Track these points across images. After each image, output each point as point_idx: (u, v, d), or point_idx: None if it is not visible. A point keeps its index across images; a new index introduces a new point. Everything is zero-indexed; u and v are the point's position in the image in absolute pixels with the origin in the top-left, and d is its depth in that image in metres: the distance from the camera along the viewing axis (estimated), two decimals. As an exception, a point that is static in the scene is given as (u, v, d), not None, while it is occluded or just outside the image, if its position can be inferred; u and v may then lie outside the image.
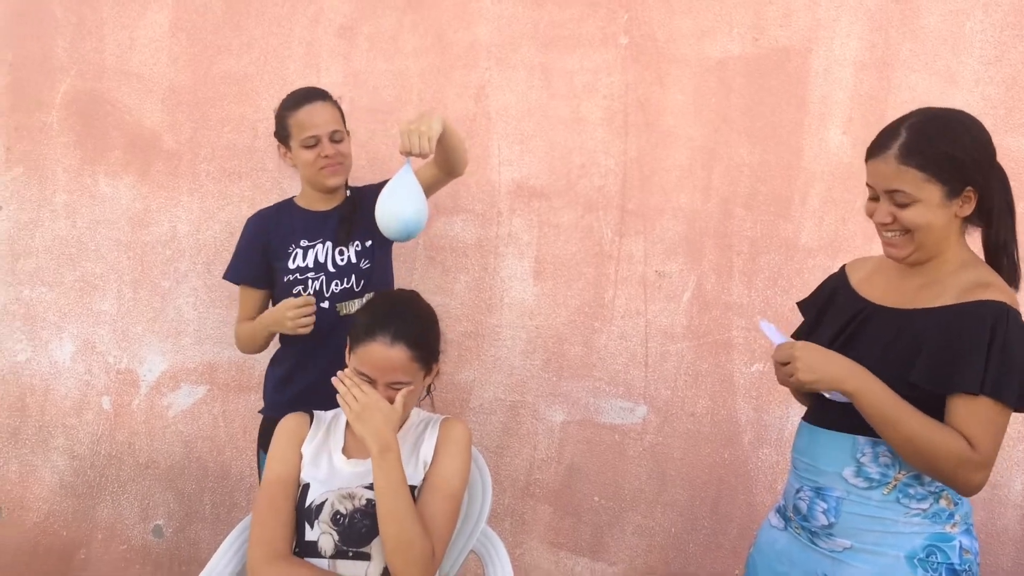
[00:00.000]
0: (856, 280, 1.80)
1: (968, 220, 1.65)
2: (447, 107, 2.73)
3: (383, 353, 1.79)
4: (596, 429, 2.77)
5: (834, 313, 1.78)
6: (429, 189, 2.31)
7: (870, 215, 1.67)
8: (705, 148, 2.66)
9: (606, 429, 2.77)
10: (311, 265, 2.33)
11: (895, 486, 1.64)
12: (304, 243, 2.35)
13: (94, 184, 2.87)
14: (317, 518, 1.80)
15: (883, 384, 1.59)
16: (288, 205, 2.45)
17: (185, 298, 2.87)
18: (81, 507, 2.95)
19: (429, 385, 2.01)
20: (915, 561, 1.62)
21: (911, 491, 1.64)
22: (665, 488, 2.76)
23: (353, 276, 2.34)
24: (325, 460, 1.88)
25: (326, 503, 1.80)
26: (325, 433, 1.93)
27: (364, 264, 2.36)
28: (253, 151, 2.81)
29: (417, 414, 1.99)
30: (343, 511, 1.80)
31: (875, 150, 1.63)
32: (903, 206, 1.60)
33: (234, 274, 2.44)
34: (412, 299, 1.97)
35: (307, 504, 1.81)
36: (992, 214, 1.64)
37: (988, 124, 1.63)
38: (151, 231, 2.87)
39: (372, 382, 1.80)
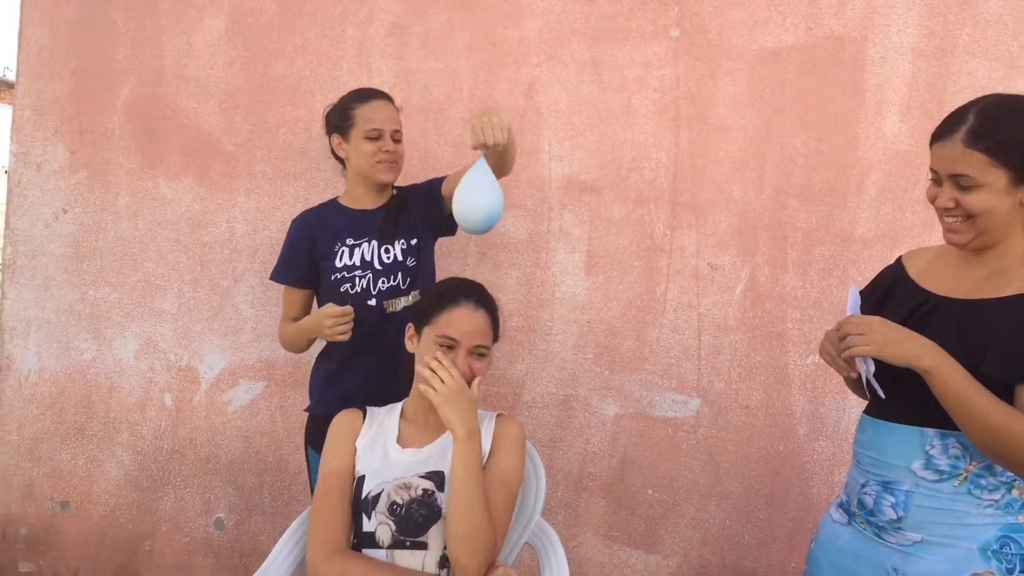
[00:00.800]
0: (916, 271, 1.77)
1: None
2: (498, 103, 2.75)
3: (470, 315, 1.87)
4: (649, 422, 2.77)
5: (894, 306, 1.75)
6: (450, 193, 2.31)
7: (932, 200, 1.64)
8: (757, 139, 2.64)
9: (659, 422, 2.77)
10: (358, 263, 2.36)
11: (966, 477, 1.62)
12: (350, 241, 2.38)
13: (155, 187, 2.95)
14: (374, 509, 1.82)
15: (958, 364, 1.56)
16: (333, 205, 2.49)
17: (243, 296, 2.93)
18: (145, 500, 3.03)
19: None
20: (988, 553, 1.60)
21: (983, 482, 1.62)
22: (719, 481, 2.75)
23: (399, 274, 2.36)
24: (380, 451, 1.90)
25: (382, 494, 1.83)
26: (379, 426, 1.95)
27: (410, 262, 2.37)
28: (307, 152, 2.86)
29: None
30: (399, 501, 1.82)
31: (941, 134, 1.61)
32: (967, 190, 1.58)
33: (278, 274, 2.49)
34: (479, 284, 2.03)
35: (363, 496, 1.84)
36: None
37: (1050, 108, 1.59)
38: (209, 231, 2.93)
39: (453, 349, 1.85)
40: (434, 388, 1.78)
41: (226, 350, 2.96)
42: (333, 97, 2.77)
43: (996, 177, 1.56)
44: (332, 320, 2.24)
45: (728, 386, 2.73)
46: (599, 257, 2.75)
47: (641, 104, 2.68)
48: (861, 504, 1.74)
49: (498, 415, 1.98)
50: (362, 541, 1.83)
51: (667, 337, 2.74)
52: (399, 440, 1.92)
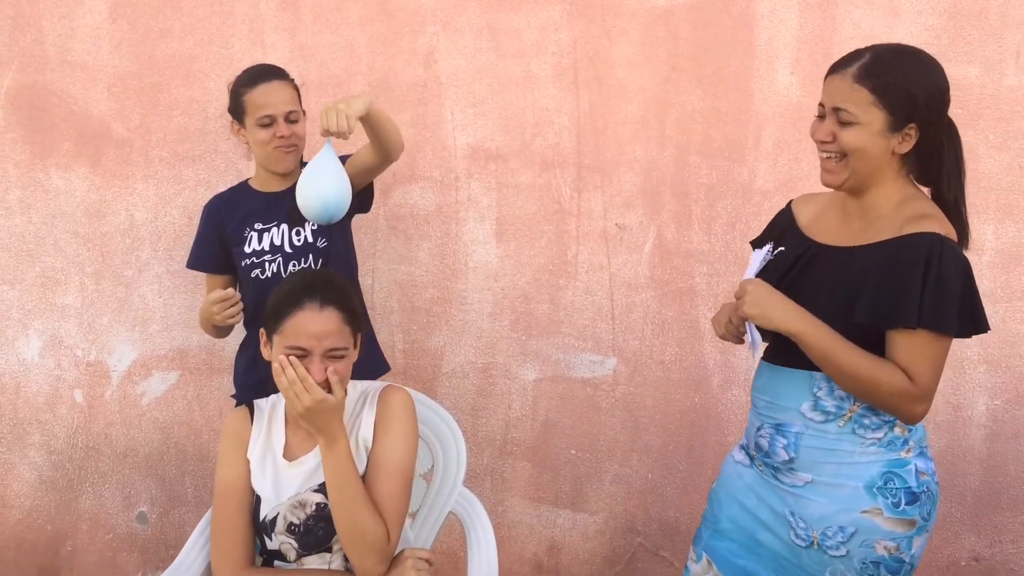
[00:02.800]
0: (804, 220, 1.82)
1: (920, 178, 1.68)
2: (397, 74, 2.72)
3: (316, 317, 1.72)
4: (568, 384, 2.81)
5: (781, 254, 1.80)
6: (366, 174, 2.29)
7: (812, 134, 1.68)
8: (656, 98, 2.68)
9: (578, 383, 2.81)
10: (267, 248, 2.32)
11: (850, 418, 1.67)
12: (259, 226, 2.34)
13: (46, 178, 2.85)
14: (273, 531, 1.80)
15: (824, 325, 1.62)
16: (243, 188, 2.43)
17: (149, 286, 2.86)
18: (63, 500, 2.96)
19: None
20: (874, 490, 1.66)
21: (865, 421, 1.67)
22: (639, 436, 2.81)
23: (311, 256, 2.32)
24: (270, 468, 1.84)
25: (279, 517, 1.80)
26: (267, 433, 1.87)
27: (321, 243, 2.33)
28: (205, 133, 2.79)
29: (353, 387, 1.94)
30: (296, 521, 1.80)
31: (836, 67, 1.65)
32: (845, 126, 1.62)
33: (193, 261, 2.44)
34: (326, 271, 1.91)
35: (262, 518, 1.81)
36: (941, 172, 1.66)
37: (932, 53, 1.65)
38: (108, 221, 2.85)
39: (306, 356, 1.72)
40: (292, 404, 1.70)
41: (135, 341, 2.89)
42: (226, 76, 2.70)
43: (875, 117, 1.59)
44: (218, 306, 2.20)
45: (642, 343, 2.78)
46: (509, 224, 2.76)
47: (540, 69, 2.69)
48: (758, 447, 1.80)
49: (383, 389, 1.92)
50: (270, 556, 1.82)
51: (580, 299, 2.77)
52: (286, 452, 1.85)
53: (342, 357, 1.76)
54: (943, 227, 1.60)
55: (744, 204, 2.69)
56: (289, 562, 1.81)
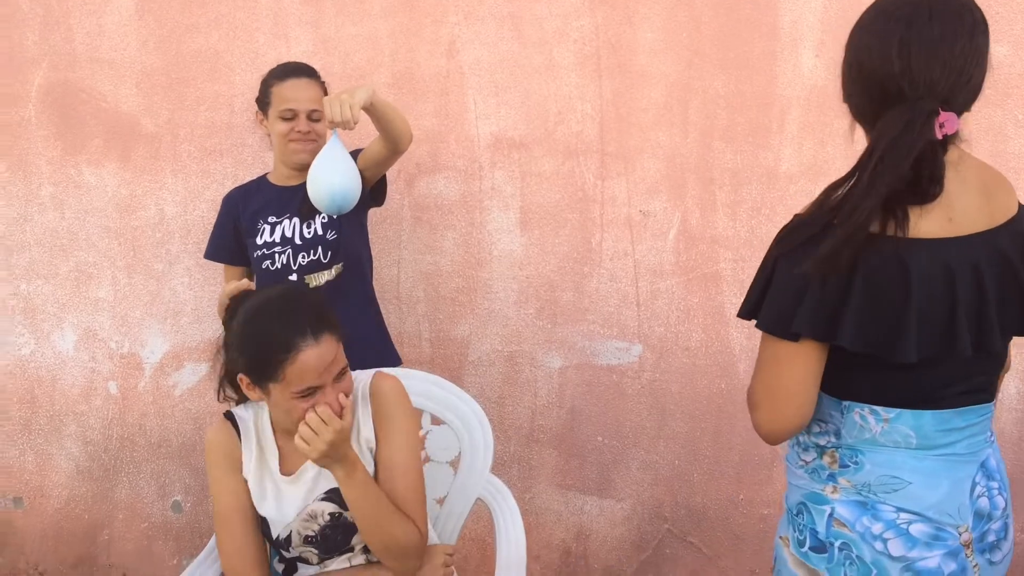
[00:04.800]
0: None
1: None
2: (419, 65, 2.73)
3: (317, 356, 1.61)
4: (594, 371, 2.82)
5: None
6: (377, 167, 2.32)
7: None
8: (679, 84, 2.66)
9: (603, 370, 2.81)
10: (278, 240, 2.37)
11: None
12: (272, 219, 2.39)
13: (78, 174, 2.89)
14: (291, 545, 1.77)
15: None
16: (261, 181, 2.50)
17: (179, 279, 2.90)
18: (100, 490, 3.02)
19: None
20: (790, 516, 1.46)
21: (801, 439, 1.46)
22: (665, 423, 2.81)
23: (320, 247, 2.35)
24: (270, 484, 1.77)
25: (292, 534, 1.76)
26: (259, 449, 1.79)
27: (331, 235, 2.36)
28: (232, 127, 2.82)
29: None
30: (311, 533, 1.77)
31: None
32: None
33: (210, 252, 2.53)
34: (290, 291, 1.76)
35: (275, 538, 1.77)
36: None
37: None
38: (139, 216, 2.89)
39: (317, 389, 1.63)
40: (306, 447, 1.61)
41: (167, 334, 2.93)
42: (252, 70, 2.74)
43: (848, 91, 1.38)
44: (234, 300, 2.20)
45: (668, 330, 2.78)
46: (533, 212, 2.77)
47: (562, 56, 2.69)
48: None
49: (372, 380, 1.83)
50: (291, 562, 1.81)
51: (605, 286, 2.78)
52: (282, 467, 1.78)
53: (345, 374, 1.70)
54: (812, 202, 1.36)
55: (769, 189, 2.67)
56: (312, 565, 1.80)
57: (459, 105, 2.74)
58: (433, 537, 1.99)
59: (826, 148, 2.62)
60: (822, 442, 1.41)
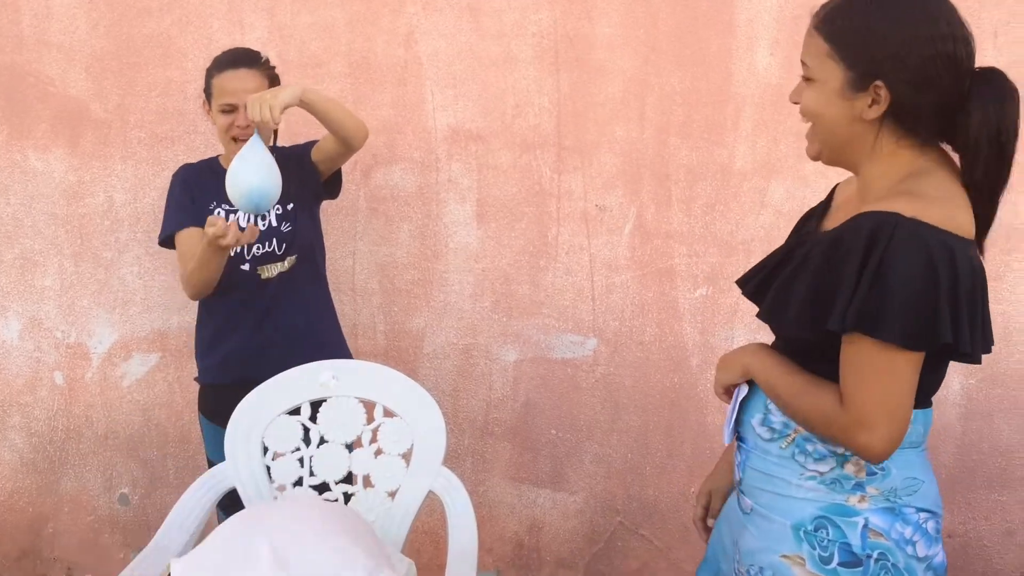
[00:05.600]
0: (835, 205, 1.49)
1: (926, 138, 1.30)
2: (376, 55, 2.71)
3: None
4: (549, 365, 2.83)
5: (786, 243, 1.52)
6: (330, 161, 2.33)
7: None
8: (636, 79, 2.68)
9: (558, 364, 2.82)
10: (240, 224, 2.31)
11: (793, 439, 1.38)
12: (225, 207, 2.34)
13: (24, 159, 2.83)
14: None
15: (771, 353, 1.41)
16: (213, 164, 2.44)
17: (128, 267, 2.85)
18: (44, 482, 2.96)
19: None
20: (801, 533, 1.35)
21: (808, 447, 1.36)
22: (619, 416, 2.83)
23: (274, 240, 2.32)
24: None
25: None
26: None
27: (285, 227, 2.33)
28: (184, 114, 2.77)
29: None
30: None
31: (813, 15, 1.34)
32: (807, 83, 1.33)
33: (173, 223, 2.33)
34: None
35: None
36: (966, 144, 1.25)
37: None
38: (87, 203, 2.83)
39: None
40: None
41: (115, 323, 2.88)
42: (205, 57, 2.69)
43: (830, 73, 1.28)
44: (214, 229, 2.07)
45: (622, 324, 2.79)
46: (489, 205, 2.76)
47: (521, 50, 2.68)
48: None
49: None
50: None
51: (561, 280, 2.78)
52: None
53: None
54: (926, 207, 1.22)
55: (723, 185, 2.70)
56: None
57: (416, 96, 2.73)
58: (396, 557, 1.98)
59: (779, 146, 2.66)
60: (840, 450, 1.33)
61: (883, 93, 1.25)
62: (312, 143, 2.37)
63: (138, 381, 2.90)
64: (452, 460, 2.83)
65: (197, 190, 2.36)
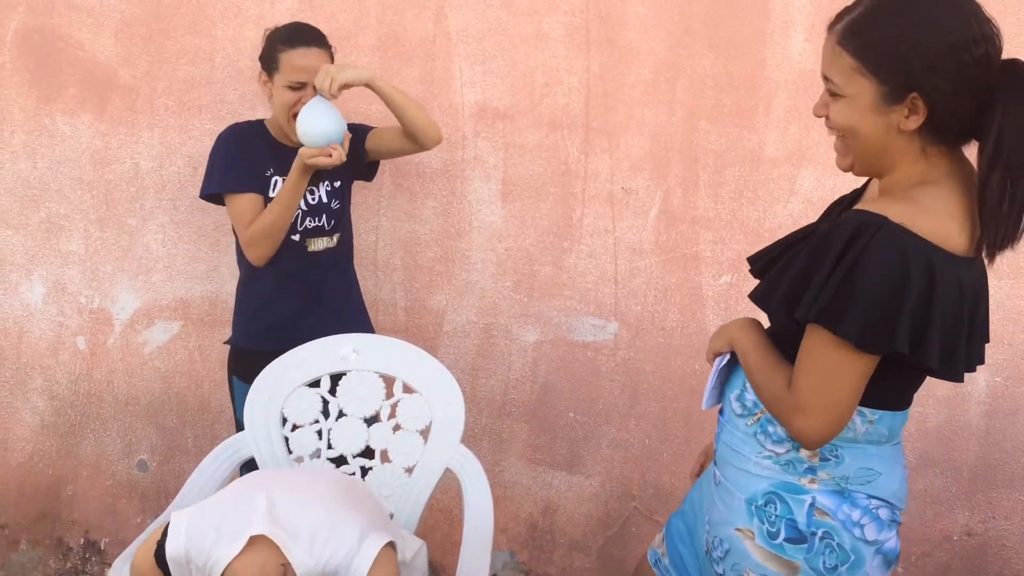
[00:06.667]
0: (868, 196, 1.48)
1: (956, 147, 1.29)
2: (406, 28, 2.69)
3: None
4: (569, 347, 2.81)
5: (803, 228, 1.53)
6: (389, 152, 2.48)
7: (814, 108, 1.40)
8: (668, 61, 2.64)
9: (579, 347, 2.81)
10: None
11: (759, 419, 1.43)
12: (277, 178, 2.37)
13: (52, 123, 2.83)
14: None
15: (757, 330, 1.47)
16: (261, 129, 2.44)
17: (153, 235, 2.86)
18: (64, 446, 2.98)
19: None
20: (752, 507, 1.41)
21: (771, 429, 1.41)
22: (638, 401, 2.81)
23: (324, 215, 2.39)
24: None
25: None
26: None
27: (335, 204, 2.42)
28: (211, 83, 2.76)
29: (335, 552, 1.65)
30: None
31: (830, 23, 1.34)
32: (834, 98, 1.31)
33: (229, 183, 2.32)
34: None
35: None
36: (985, 150, 1.22)
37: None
38: (113, 169, 2.83)
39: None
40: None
41: (138, 290, 2.89)
42: (234, 26, 2.69)
43: (861, 88, 1.26)
44: (322, 156, 2.17)
45: (645, 309, 2.77)
46: (514, 184, 2.74)
47: (551, 27, 2.65)
48: None
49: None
50: None
51: (584, 263, 2.76)
52: None
53: None
54: (915, 215, 1.23)
55: (752, 172, 2.66)
56: None
57: (445, 72, 2.70)
58: (406, 535, 1.99)
59: (811, 133, 2.61)
60: None
61: (920, 104, 1.24)
62: (368, 128, 2.45)
63: (159, 348, 2.92)
64: (469, 439, 2.83)
65: (254, 155, 2.37)
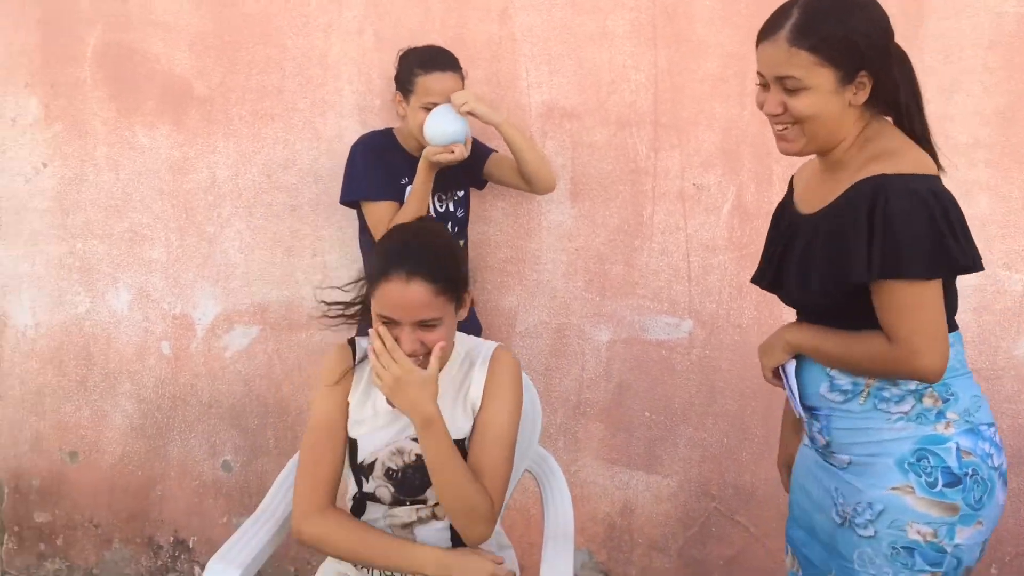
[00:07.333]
0: (796, 195, 1.74)
1: (872, 108, 1.57)
2: (471, 30, 2.68)
3: (401, 291, 1.63)
4: (643, 346, 2.78)
5: (775, 237, 1.76)
6: (500, 181, 2.61)
7: (760, 106, 1.57)
8: (737, 55, 2.57)
9: (652, 345, 2.77)
10: None
11: (868, 393, 1.57)
12: (410, 188, 2.47)
13: (132, 135, 2.91)
14: (371, 474, 1.79)
15: (810, 327, 1.61)
16: (393, 139, 2.55)
17: (230, 242, 2.92)
18: (152, 447, 3.08)
19: (470, 309, 1.88)
20: (905, 465, 1.54)
21: (885, 394, 1.56)
22: (715, 400, 2.77)
23: (451, 224, 2.52)
24: (369, 411, 1.82)
25: (376, 462, 1.79)
26: (370, 378, 1.81)
27: (460, 213, 2.55)
28: (282, 91, 2.80)
29: (462, 343, 1.88)
30: (395, 467, 1.78)
31: (765, 33, 1.53)
32: (793, 94, 1.50)
33: (369, 191, 2.47)
34: (425, 230, 1.82)
35: (359, 461, 1.80)
36: (900, 104, 1.55)
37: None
38: (191, 178, 2.91)
39: (397, 324, 1.66)
40: (381, 379, 1.66)
41: (218, 296, 2.96)
42: (303, 35, 2.73)
43: (823, 77, 1.48)
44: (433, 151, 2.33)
45: (720, 306, 2.72)
46: (583, 183, 2.72)
47: (617, 24, 2.61)
48: (808, 433, 1.74)
49: (495, 351, 1.86)
50: (365, 498, 1.82)
51: (656, 260, 2.72)
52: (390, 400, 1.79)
53: (434, 326, 1.68)
54: (899, 162, 1.47)
55: (829, 164, 2.58)
56: (383, 504, 1.80)
57: (511, 72, 2.69)
58: (500, 533, 2.00)
59: (891, 122, 2.52)
60: (912, 386, 1.53)
61: (867, 79, 1.50)
62: (491, 151, 2.56)
63: (240, 352, 2.99)
64: (544, 439, 2.82)
65: (388, 163, 2.49)
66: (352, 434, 1.81)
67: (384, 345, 1.66)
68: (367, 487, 1.81)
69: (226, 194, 2.90)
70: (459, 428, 1.78)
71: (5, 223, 3.00)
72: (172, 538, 3.11)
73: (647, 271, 2.73)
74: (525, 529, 2.93)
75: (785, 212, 1.75)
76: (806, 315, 1.67)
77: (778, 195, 2.62)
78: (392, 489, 1.79)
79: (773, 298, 2.67)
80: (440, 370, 1.70)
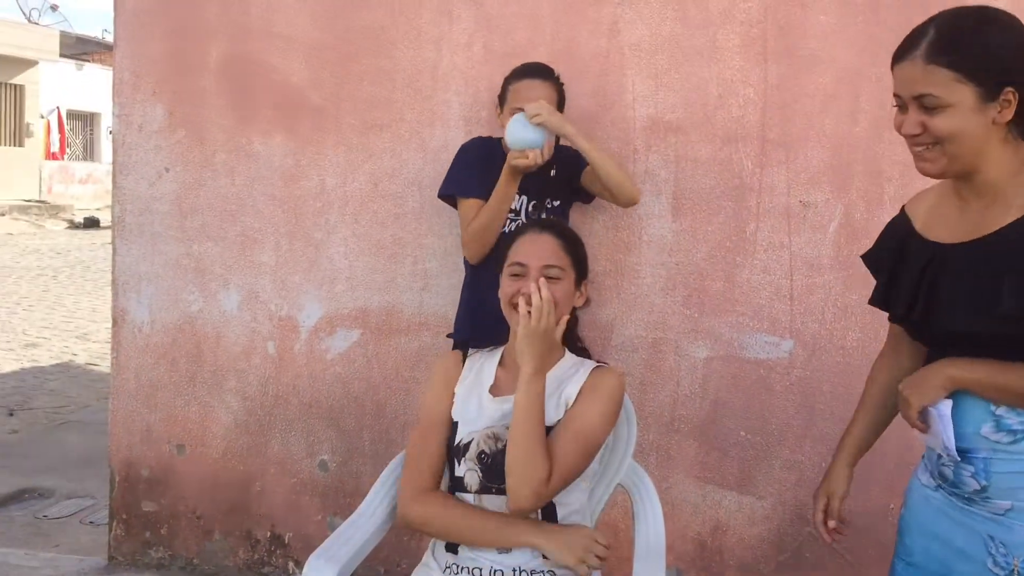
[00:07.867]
0: (920, 222, 1.65)
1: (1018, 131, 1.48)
2: (580, 44, 2.71)
3: (532, 238, 1.91)
4: (741, 364, 2.74)
5: (906, 268, 1.63)
6: (597, 193, 2.61)
7: (898, 128, 1.52)
8: (851, 69, 2.54)
9: (751, 364, 2.73)
10: (514, 207, 2.54)
11: None
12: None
13: (248, 143, 3.04)
14: (464, 456, 1.88)
15: (971, 360, 1.50)
16: (496, 146, 2.60)
17: (336, 248, 3.01)
18: (254, 444, 3.19)
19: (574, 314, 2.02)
20: None
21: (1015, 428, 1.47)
22: (814, 422, 2.71)
23: None
24: (475, 400, 1.94)
25: (472, 443, 1.88)
26: (477, 373, 1.99)
27: None
28: (392, 102, 2.88)
29: (571, 357, 2.01)
30: (487, 451, 1.86)
31: (900, 54, 1.49)
32: (932, 112, 1.44)
33: (467, 188, 2.57)
34: (550, 218, 2.10)
35: (456, 442, 1.90)
36: None
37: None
38: (301, 185, 3.01)
39: (523, 277, 1.85)
40: (528, 326, 1.80)
41: (323, 300, 3.05)
42: (414, 47, 2.81)
43: (963, 94, 1.42)
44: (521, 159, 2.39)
45: (823, 327, 2.67)
46: (686, 198, 2.71)
47: (727, 38, 2.60)
48: (942, 476, 1.62)
49: (596, 366, 1.96)
50: (454, 485, 1.91)
51: (757, 278, 2.69)
52: (492, 388, 1.95)
53: (558, 279, 1.86)
54: None
55: (943, 184, 2.51)
56: (469, 492, 1.88)
57: (617, 86, 2.71)
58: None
59: (1011, 143, 2.44)
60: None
61: (1012, 96, 1.43)
62: (586, 162, 2.55)
63: (340, 355, 3.07)
64: (637, 454, 2.78)
65: (488, 165, 2.55)
66: (455, 417, 1.94)
67: (542, 297, 1.80)
68: (458, 470, 1.89)
69: (334, 201, 3.00)
70: (548, 416, 1.85)
71: (129, 224, 3.16)
72: (269, 533, 3.20)
73: (748, 288, 2.70)
74: (614, 542, 2.91)
75: (912, 241, 1.65)
76: (959, 349, 1.55)
77: (888, 215, 2.57)
78: (480, 475, 1.86)
79: (880, 321, 2.61)
80: (555, 324, 1.84)
